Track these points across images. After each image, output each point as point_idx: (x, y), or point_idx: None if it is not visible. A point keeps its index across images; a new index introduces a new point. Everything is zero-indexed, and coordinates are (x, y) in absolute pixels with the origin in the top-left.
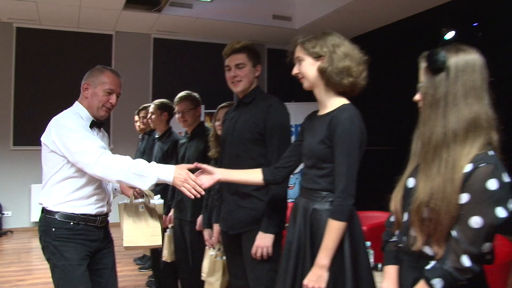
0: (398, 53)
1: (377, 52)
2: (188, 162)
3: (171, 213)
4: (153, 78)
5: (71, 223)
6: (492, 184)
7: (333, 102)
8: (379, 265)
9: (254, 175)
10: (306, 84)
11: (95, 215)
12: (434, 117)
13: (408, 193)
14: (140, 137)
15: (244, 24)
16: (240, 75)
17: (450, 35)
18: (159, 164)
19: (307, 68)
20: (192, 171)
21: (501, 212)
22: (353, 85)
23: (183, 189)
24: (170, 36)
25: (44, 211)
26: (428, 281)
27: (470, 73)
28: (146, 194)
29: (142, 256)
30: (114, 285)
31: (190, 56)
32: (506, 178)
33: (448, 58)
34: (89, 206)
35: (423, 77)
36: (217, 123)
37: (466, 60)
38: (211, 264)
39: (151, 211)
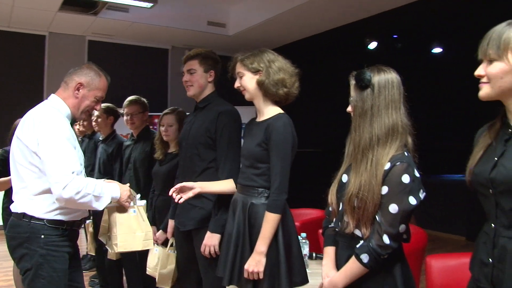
0: (325, 60)
1: (306, 59)
2: (134, 164)
3: None
4: None
5: (60, 229)
6: (406, 178)
7: (269, 111)
8: (314, 254)
9: (228, 185)
10: (247, 96)
11: (80, 220)
12: (363, 125)
13: (342, 187)
14: (80, 139)
15: (179, 29)
16: (191, 80)
17: (372, 45)
18: (104, 182)
19: (247, 82)
20: (169, 185)
21: (412, 200)
22: (287, 94)
23: (126, 204)
24: (105, 39)
25: (26, 217)
26: (357, 257)
27: (390, 89)
28: (133, 195)
29: (82, 257)
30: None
31: (125, 60)
32: (417, 174)
33: (372, 77)
34: (76, 213)
35: (353, 92)
36: (162, 128)
37: (386, 79)
38: (165, 258)
39: (142, 215)
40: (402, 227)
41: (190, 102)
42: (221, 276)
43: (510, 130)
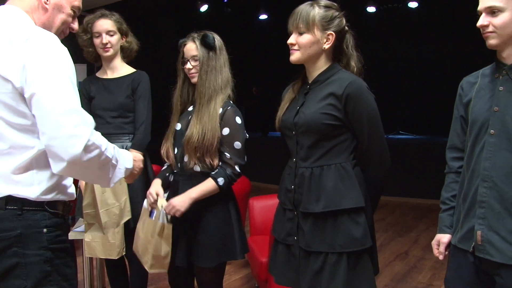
0: (157, 20)
1: (138, 18)
2: None
3: None
4: None
5: (60, 215)
6: (238, 120)
7: (124, 68)
8: None
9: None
10: (110, 52)
11: (70, 201)
12: (209, 80)
13: (177, 134)
14: None
15: None
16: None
17: (203, 8)
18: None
19: (116, 41)
20: None
21: (246, 135)
22: (133, 57)
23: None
24: None
25: (12, 202)
26: (214, 179)
27: (224, 51)
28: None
29: None
30: None
31: None
32: (240, 115)
33: (215, 40)
34: (72, 189)
35: (196, 51)
36: None
37: (220, 41)
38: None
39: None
40: (245, 158)
41: None
42: None
43: (308, 86)
